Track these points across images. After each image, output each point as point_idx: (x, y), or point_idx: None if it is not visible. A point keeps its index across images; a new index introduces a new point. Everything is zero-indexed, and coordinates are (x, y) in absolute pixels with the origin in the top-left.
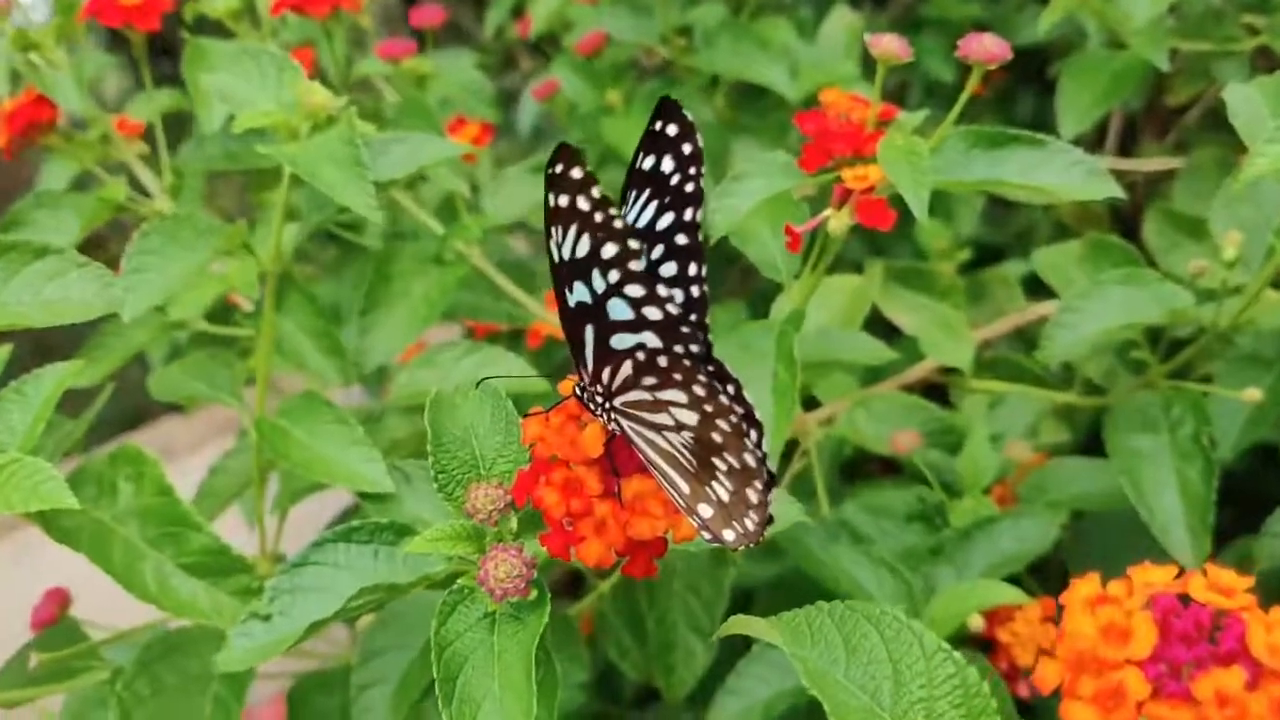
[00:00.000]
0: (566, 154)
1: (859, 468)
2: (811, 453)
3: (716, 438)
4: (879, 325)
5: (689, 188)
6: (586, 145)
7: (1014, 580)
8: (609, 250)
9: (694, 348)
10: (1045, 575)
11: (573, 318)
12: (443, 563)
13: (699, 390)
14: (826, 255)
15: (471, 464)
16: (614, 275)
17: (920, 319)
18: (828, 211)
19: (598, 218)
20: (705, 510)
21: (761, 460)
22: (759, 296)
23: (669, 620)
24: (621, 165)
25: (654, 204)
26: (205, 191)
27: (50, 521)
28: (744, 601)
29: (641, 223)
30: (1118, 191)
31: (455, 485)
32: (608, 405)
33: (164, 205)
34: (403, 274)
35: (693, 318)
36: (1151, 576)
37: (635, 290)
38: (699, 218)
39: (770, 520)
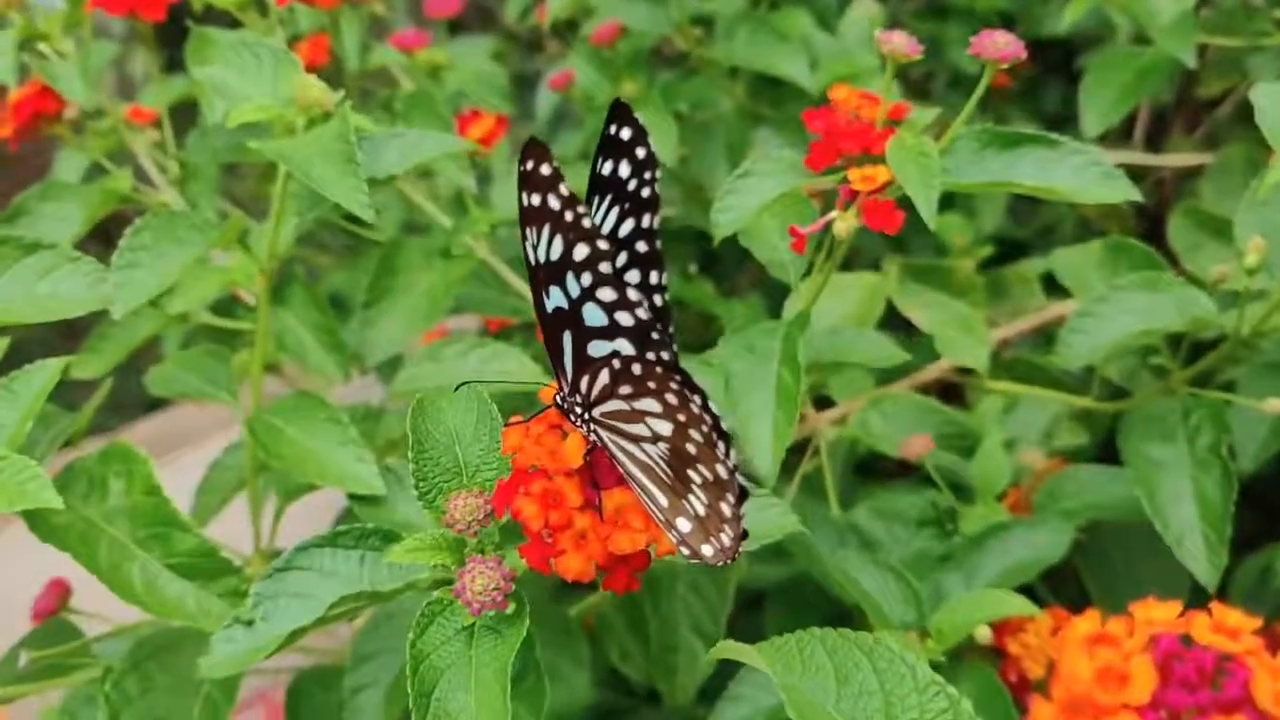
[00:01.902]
0: (535, 150)
1: (874, 465)
2: (823, 452)
3: (690, 449)
4: (898, 321)
5: (645, 193)
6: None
7: (1026, 589)
8: (580, 252)
9: (664, 355)
10: (1059, 584)
11: (551, 324)
12: (428, 570)
13: (671, 399)
14: (835, 256)
15: (454, 471)
16: (586, 278)
17: (937, 317)
18: (834, 213)
19: (568, 216)
20: (684, 525)
21: (732, 472)
22: (776, 289)
23: (671, 623)
24: None
25: (615, 210)
26: (223, 179)
27: (36, 519)
28: (754, 603)
29: (605, 230)
30: (1134, 194)
31: (436, 493)
32: (587, 416)
33: (170, 196)
34: (408, 267)
35: (655, 335)
36: (1153, 614)
37: (607, 294)
38: (656, 224)
39: (745, 535)
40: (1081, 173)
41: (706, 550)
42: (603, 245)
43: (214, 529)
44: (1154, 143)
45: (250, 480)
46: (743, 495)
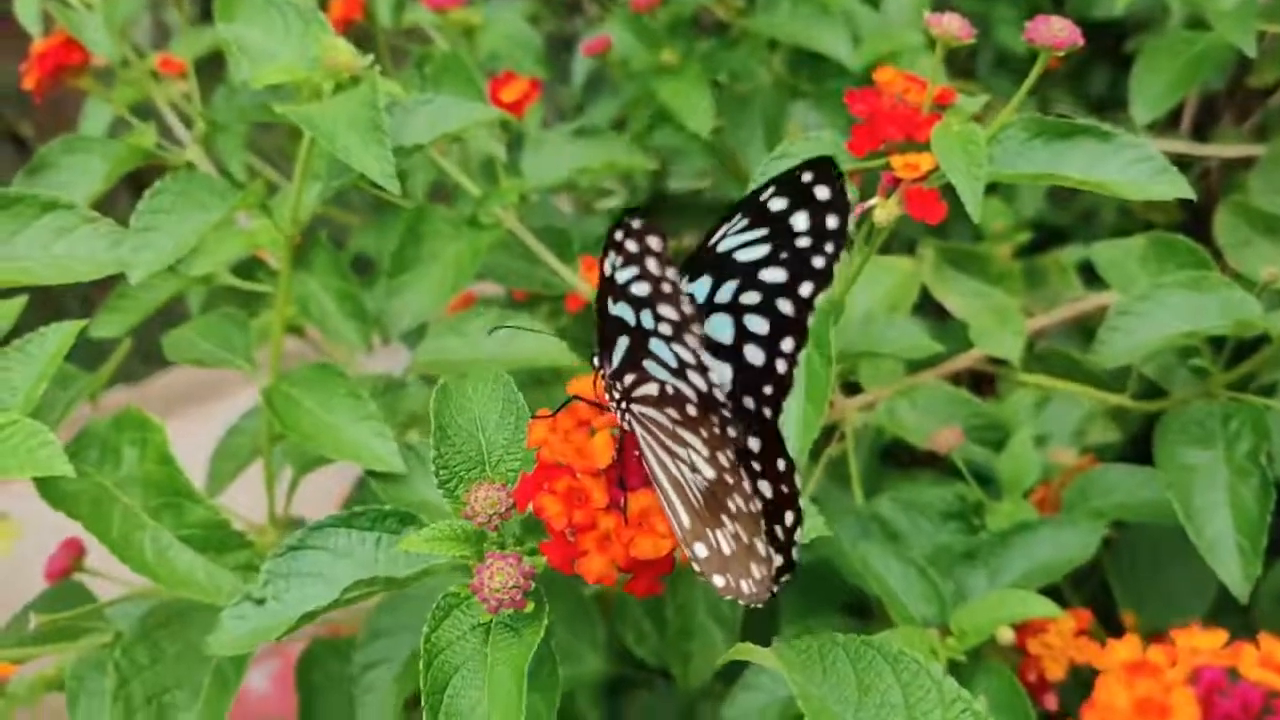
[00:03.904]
0: (648, 227)
1: (898, 450)
2: (849, 438)
3: (731, 506)
4: (931, 304)
5: (818, 263)
6: (638, 104)
7: (1050, 590)
8: (667, 311)
9: (730, 431)
10: (1080, 579)
11: (609, 321)
12: (445, 556)
13: (723, 461)
14: (873, 243)
15: (477, 459)
16: (666, 329)
17: (972, 305)
18: (874, 200)
19: (665, 288)
20: (700, 550)
21: (770, 553)
22: None
23: (689, 608)
24: (675, 129)
25: (765, 247)
26: (251, 132)
27: (47, 485)
28: None
29: (741, 256)
30: (1187, 191)
31: (458, 482)
32: (625, 406)
33: (194, 154)
34: (435, 235)
35: (767, 390)
36: (1197, 642)
37: (685, 355)
38: (814, 298)
39: (774, 594)
40: (1133, 167)
41: (719, 580)
42: (696, 329)
43: (231, 492)
44: (1202, 132)
45: (266, 449)
46: (787, 566)
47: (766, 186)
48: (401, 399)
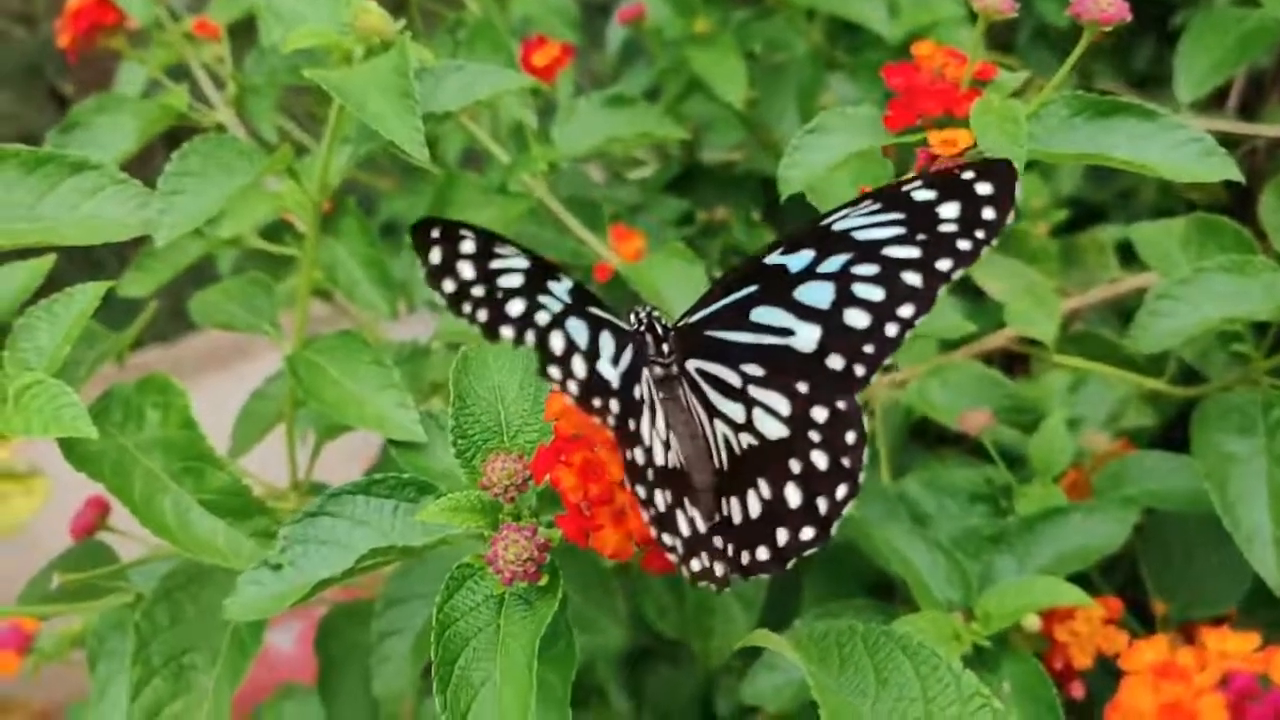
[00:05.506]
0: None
1: (926, 427)
2: (877, 417)
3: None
4: (963, 282)
5: (963, 246)
6: (672, 74)
7: (1079, 577)
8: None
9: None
10: (1110, 565)
11: None
12: (461, 527)
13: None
14: None
15: (495, 430)
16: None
17: (1007, 284)
18: (911, 175)
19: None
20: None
21: (818, 520)
22: None
23: None
24: (708, 99)
25: (897, 229)
26: (281, 94)
27: (71, 445)
28: (793, 568)
29: (861, 235)
30: (1235, 174)
31: (475, 452)
32: None
33: (226, 116)
34: (464, 202)
35: (868, 349)
36: (1228, 646)
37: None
38: (955, 275)
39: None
40: (1178, 149)
41: (694, 566)
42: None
43: (259, 453)
44: (1248, 110)
45: (288, 414)
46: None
47: (913, 179)
48: (426, 366)
